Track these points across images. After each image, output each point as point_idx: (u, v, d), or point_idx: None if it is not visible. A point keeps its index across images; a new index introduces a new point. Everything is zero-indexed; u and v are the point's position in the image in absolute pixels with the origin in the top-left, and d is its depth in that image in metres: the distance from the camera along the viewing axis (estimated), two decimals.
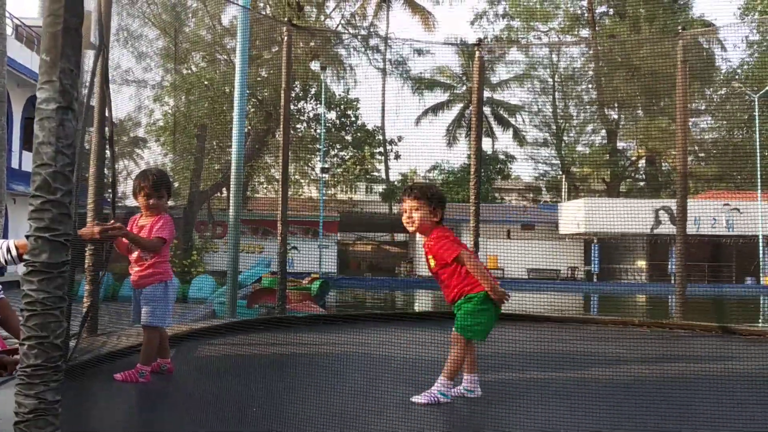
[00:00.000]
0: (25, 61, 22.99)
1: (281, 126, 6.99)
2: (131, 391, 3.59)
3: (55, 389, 1.57)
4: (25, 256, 1.56)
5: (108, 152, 4.76)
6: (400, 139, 37.38)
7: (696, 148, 29.57)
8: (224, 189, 26.48)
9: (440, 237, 3.61)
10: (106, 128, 4.54)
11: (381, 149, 38.59)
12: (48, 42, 1.60)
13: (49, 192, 1.56)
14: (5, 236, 13.43)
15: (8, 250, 3.10)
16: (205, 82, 23.27)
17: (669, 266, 24.94)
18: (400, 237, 36.78)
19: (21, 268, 2.77)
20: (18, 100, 23.98)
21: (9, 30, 22.70)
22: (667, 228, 23.53)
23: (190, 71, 23.23)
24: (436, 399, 3.36)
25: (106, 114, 4.71)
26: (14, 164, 23.08)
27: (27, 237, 1.56)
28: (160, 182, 3.85)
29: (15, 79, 21.90)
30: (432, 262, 3.66)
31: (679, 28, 7.06)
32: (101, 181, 4.91)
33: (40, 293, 1.55)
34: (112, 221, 3.62)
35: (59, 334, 1.58)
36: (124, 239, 3.68)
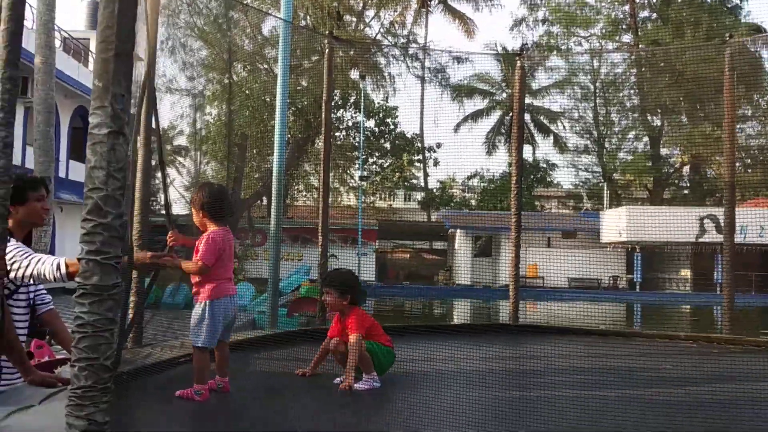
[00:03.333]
0: (73, 73, 23.60)
1: (322, 136, 7.04)
2: (175, 406, 3.61)
3: (104, 410, 1.59)
4: (77, 279, 1.59)
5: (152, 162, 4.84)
6: (438, 146, 37.32)
7: (742, 154, 28.88)
8: (264, 197, 26.77)
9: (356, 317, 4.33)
10: (150, 143, 4.63)
11: (419, 157, 38.55)
12: (100, 68, 1.62)
13: (101, 216, 1.58)
14: (52, 243, 13.72)
15: (58, 267, 3.15)
16: (246, 92, 23.59)
17: (715, 276, 24.35)
18: (438, 245, 36.65)
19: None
20: (65, 111, 24.62)
21: (57, 43, 23.34)
22: (713, 236, 22.98)
23: (231, 81, 23.57)
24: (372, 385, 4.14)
25: (153, 126, 4.78)
26: (61, 173, 23.66)
27: (78, 259, 1.58)
28: (210, 201, 3.81)
29: (62, 90, 22.46)
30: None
31: (727, 35, 6.91)
32: (147, 192, 4.98)
33: (91, 315, 1.57)
34: (167, 250, 3.62)
35: (109, 356, 1.60)
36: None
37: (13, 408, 2.73)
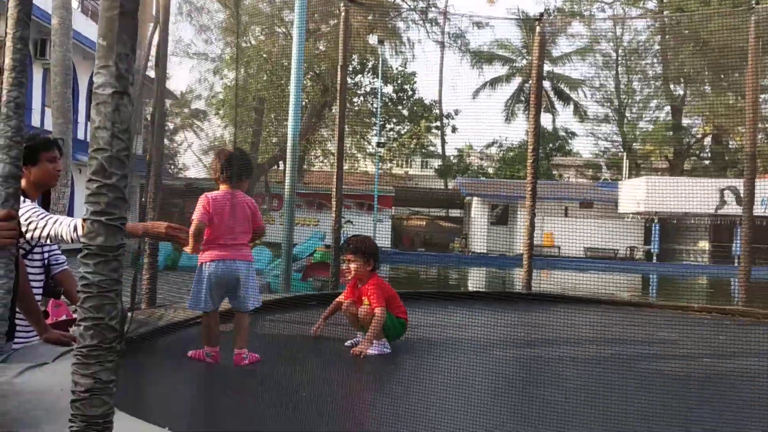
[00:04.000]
0: (91, 35, 23.57)
1: (338, 101, 6.98)
2: (183, 367, 3.66)
3: (110, 369, 1.60)
4: (82, 239, 1.59)
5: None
6: (456, 113, 37.02)
7: (766, 125, 28.35)
8: (281, 162, 26.79)
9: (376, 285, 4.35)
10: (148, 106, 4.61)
11: (437, 124, 38.27)
12: (105, 26, 1.60)
13: (105, 176, 1.58)
14: (71, 204, 13.84)
15: (75, 229, 3.16)
16: (264, 56, 23.44)
17: (733, 248, 24.13)
18: (455, 213, 36.59)
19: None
20: (84, 73, 24.65)
21: (75, 3, 23.28)
22: (732, 208, 22.72)
23: (249, 44, 23.42)
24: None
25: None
26: (80, 135, 23.78)
27: (84, 220, 1.59)
28: (223, 166, 3.79)
29: (80, 52, 22.47)
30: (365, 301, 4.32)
31: (753, 1, 6.73)
32: (160, 153, 4.99)
33: (96, 276, 1.57)
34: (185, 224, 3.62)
35: (114, 316, 1.61)
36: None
37: (28, 365, 2.77)
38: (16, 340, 3.22)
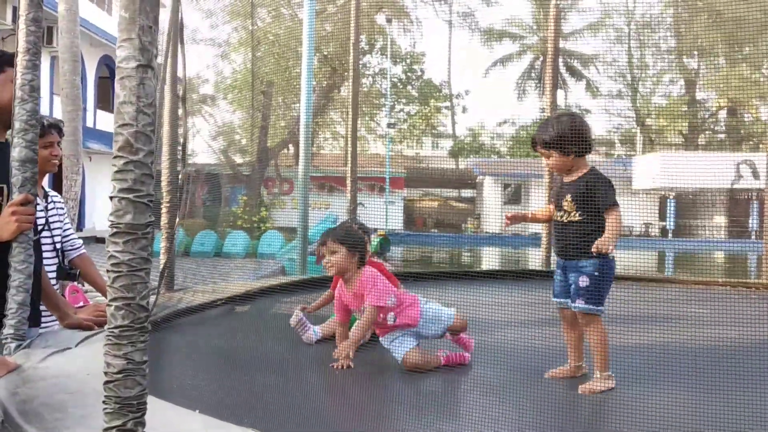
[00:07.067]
0: (98, 22, 23.50)
1: (350, 82, 6.92)
2: (204, 350, 3.64)
3: (142, 350, 1.58)
4: (110, 218, 1.55)
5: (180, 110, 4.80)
6: (467, 92, 36.77)
7: None
8: (290, 145, 26.73)
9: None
10: (179, 86, 4.57)
11: (447, 104, 38.04)
12: None
13: (131, 152, 1.54)
14: (83, 192, 13.81)
15: None
16: (271, 38, 23.30)
17: (750, 223, 23.89)
18: (467, 193, 36.42)
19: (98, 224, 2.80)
20: (91, 60, 24.60)
21: None
22: (749, 183, 22.45)
23: (256, 26, 23.27)
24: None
25: (179, 73, 4.73)
26: (89, 123, 23.79)
27: (111, 198, 1.54)
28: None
29: (88, 39, 22.41)
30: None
31: None
32: (175, 138, 4.96)
33: (126, 254, 1.54)
34: None
35: (145, 296, 1.57)
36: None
37: (51, 350, 2.76)
38: (42, 324, 3.20)
